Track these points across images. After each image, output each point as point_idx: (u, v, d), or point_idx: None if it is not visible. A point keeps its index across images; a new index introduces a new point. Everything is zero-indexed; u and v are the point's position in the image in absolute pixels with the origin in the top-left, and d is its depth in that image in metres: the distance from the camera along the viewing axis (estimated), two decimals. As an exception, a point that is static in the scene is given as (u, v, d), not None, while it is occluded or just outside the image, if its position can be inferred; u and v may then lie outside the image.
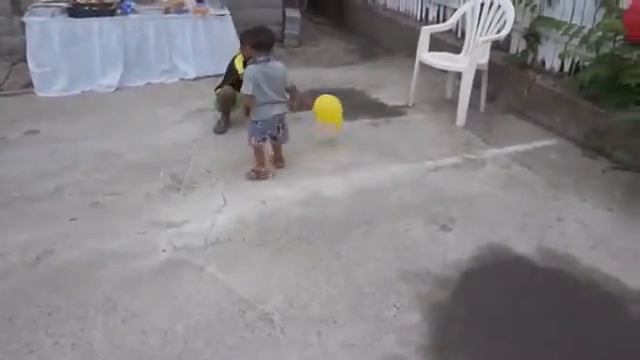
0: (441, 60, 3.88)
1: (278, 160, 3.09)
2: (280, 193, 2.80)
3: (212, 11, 4.72)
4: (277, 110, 2.87)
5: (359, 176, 3.00)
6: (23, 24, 4.25)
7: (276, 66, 2.82)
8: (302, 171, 3.06)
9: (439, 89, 4.35)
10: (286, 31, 6.06)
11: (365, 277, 2.18)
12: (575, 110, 3.50)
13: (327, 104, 3.32)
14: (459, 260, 2.31)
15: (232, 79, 3.52)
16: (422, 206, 2.72)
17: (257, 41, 2.81)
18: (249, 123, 2.94)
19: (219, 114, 3.65)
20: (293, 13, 6.19)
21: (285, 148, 3.12)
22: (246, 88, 2.77)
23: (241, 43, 3.52)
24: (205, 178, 2.96)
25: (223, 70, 4.44)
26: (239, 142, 3.39)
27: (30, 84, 4.25)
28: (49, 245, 2.33)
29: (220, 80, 3.75)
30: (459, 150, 3.36)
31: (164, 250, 2.33)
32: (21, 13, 4.54)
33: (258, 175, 2.95)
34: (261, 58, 2.78)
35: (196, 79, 4.64)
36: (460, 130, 3.67)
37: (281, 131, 2.96)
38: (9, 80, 4.50)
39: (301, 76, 4.54)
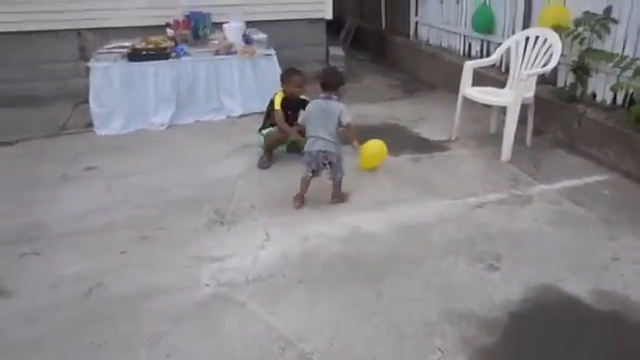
0: (485, 95, 3.83)
1: (334, 196, 3.11)
2: (322, 229, 2.80)
3: (259, 51, 4.91)
4: (320, 146, 2.94)
5: (401, 212, 2.96)
6: (88, 69, 4.58)
7: (332, 105, 2.95)
8: (344, 207, 3.06)
9: (483, 123, 4.28)
10: (329, 69, 6.21)
11: (407, 318, 2.12)
12: (630, 144, 3.33)
13: (373, 150, 3.48)
14: (507, 301, 2.20)
15: (273, 118, 3.62)
16: (467, 244, 2.63)
17: (322, 80, 3.03)
18: None
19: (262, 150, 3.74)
20: (336, 51, 6.35)
21: (327, 183, 3.14)
22: (300, 117, 3.12)
23: (283, 81, 3.64)
24: (249, 213, 3.01)
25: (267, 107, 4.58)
26: (283, 178, 3.45)
27: (91, 123, 4.54)
28: (100, 278, 2.43)
29: (262, 118, 3.85)
30: (505, 186, 3.26)
31: (207, 285, 2.36)
32: (87, 59, 4.92)
33: (294, 202, 3.07)
34: (322, 95, 2.98)
35: (242, 116, 4.80)
36: (505, 165, 3.57)
37: (328, 167, 3.02)
38: (72, 120, 4.83)
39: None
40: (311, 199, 3.14)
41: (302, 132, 3.32)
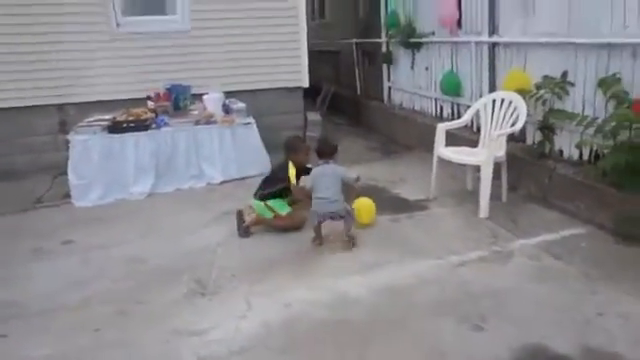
0: (459, 155, 3.96)
1: (347, 237, 3.32)
2: (304, 295, 2.75)
3: (238, 120, 5.04)
4: (331, 208, 3.27)
5: (384, 274, 2.95)
6: (67, 142, 4.61)
7: (335, 168, 3.34)
8: (326, 271, 3.03)
9: (459, 181, 4.39)
10: (308, 134, 6.36)
11: (395, 386, 2.05)
12: (600, 197, 3.44)
13: (364, 207, 3.66)
14: (495, 363, 2.16)
15: (281, 185, 3.54)
16: (451, 304, 2.61)
17: (318, 150, 3.42)
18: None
19: (244, 218, 3.66)
20: (314, 116, 6.55)
21: (308, 248, 3.18)
22: (307, 183, 3.37)
23: (293, 151, 3.60)
24: (229, 282, 2.96)
25: (247, 173, 4.62)
26: (263, 244, 3.44)
27: (68, 195, 4.50)
28: None
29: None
30: (485, 243, 3.29)
31: (187, 361, 2.27)
32: (66, 132, 4.96)
33: (314, 241, 3.36)
34: (320, 162, 3.34)
35: (222, 183, 4.83)
36: (484, 222, 3.63)
37: (338, 219, 3.32)
38: (50, 192, 4.79)
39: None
40: (292, 262, 3.12)
41: (308, 194, 3.45)
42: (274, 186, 3.61)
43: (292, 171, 3.55)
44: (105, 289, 2.95)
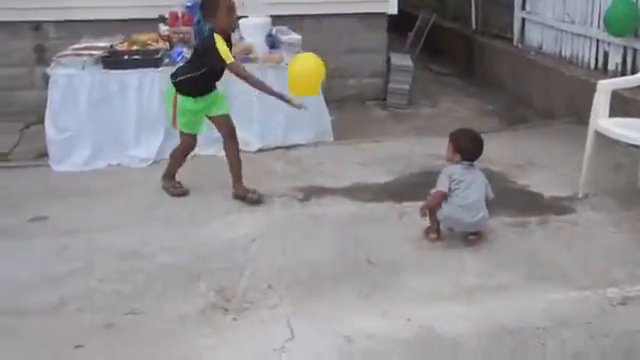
0: (631, 131, 3.84)
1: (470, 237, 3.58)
2: (373, 326, 2.76)
3: (288, 59, 5.05)
4: (473, 219, 3.44)
5: (497, 306, 2.91)
6: (46, 77, 4.82)
7: (481, 177, 3.58)
8: (407, 293, 3.03)
9: (628, 173, 4.27)
10: (391, 85, 6.31)
11: None
12: None
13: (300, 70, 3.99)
14: None
15: (205, 69, 3.84)
16: (603, 362, 2.54)
17: (466, 148, 3.57)
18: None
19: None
20: (402, 60, 6.47)
21: (384, 256, 3.22)
22: (441, 183, 3.52)
23: (209, 12, 3.87)
24: (265, 296, 3.02)
25: (297, 140, 4.73)
26: (320, 241, 3.49)
27: (45, 154, 4.75)
28: (43, 384, 2.46)
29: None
30: (664, 271, 3.16)
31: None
32: (46, 63, 5.17)
33: (428, 234, 3.62)
34: (464, 162, 3.57)
35: (259, 151, 4.91)
36: (665, 238, 3.49)
37: (473, 237, 3.55)
38: (19, 147, 5.06)
39: (410, 150, 4.66)
40: (359, 273, 3.13)
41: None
42: (195, 69, 3.91)
43: (221, 43, 3.75)
44: (89, 290, 3.09)
